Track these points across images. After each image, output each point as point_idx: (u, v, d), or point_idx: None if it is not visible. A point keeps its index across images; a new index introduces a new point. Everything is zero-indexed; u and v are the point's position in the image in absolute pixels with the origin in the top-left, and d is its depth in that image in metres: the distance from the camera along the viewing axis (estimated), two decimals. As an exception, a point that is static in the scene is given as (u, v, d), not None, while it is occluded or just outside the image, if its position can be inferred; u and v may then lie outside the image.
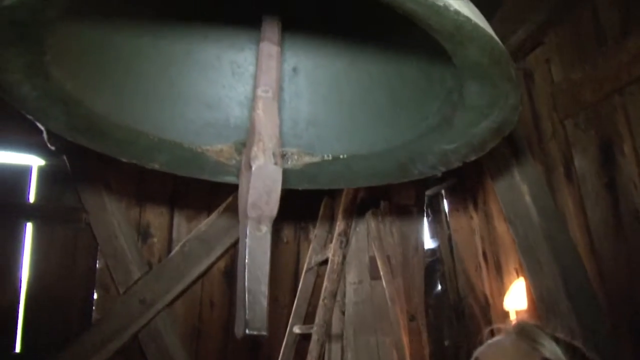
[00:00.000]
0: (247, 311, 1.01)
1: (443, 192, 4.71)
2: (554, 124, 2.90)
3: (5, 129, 3.96)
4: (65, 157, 4.22)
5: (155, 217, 4.60)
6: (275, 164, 1.13)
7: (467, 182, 4.24)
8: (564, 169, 2.88)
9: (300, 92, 1.69)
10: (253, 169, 1.11)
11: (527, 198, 2.81)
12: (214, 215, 4.45)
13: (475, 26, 0.94)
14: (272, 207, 1.12)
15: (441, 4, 0.88)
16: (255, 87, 1.26)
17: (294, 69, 1.69)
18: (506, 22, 2.65)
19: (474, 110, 1.29)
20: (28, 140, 4.23)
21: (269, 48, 1.33)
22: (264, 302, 1.04)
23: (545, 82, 2.93)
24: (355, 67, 1.65)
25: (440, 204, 4.80)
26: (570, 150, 2.79)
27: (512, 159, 2.91)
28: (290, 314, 4.37)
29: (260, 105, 1.22)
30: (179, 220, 4.66)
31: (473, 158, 1.49)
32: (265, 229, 1.10)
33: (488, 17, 2.39)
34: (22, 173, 4.68)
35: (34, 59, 1.22)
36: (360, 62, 1.64)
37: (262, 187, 1.11)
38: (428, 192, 4.61)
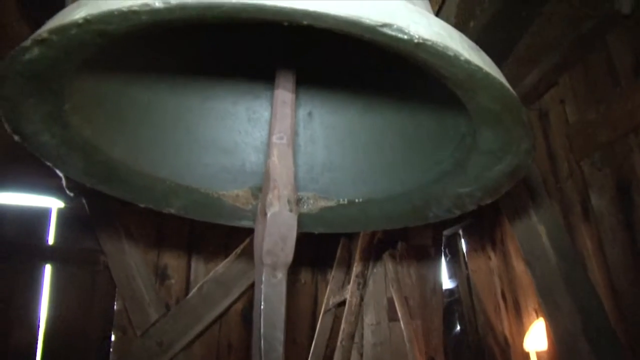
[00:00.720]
0: (262, 358, 1.01)
1: (460, 232, 4.69)
2: (570, 164, 2.89)
3: (25, 172, 4.02)
4: (84, 200, 4.26)
5: (173, 259, 4.62)
6: (291, 210, 1.14)
7: (484, 222, 4.23)
8: (581, 209, 2.86)
9: (316, 137, 1.71)
10: (268, 216, 1.12)
11: (544, 238, 2.80)
12: (231, 257, 4.45)
13: (486, 74, 0.95)
14: (288, 253, 1.12)
15: (451, 53, 0.89)
16: (270, 134, 1.28)
17: (309, 114, 1.71)
18: (520, 64, 2.66)
19: (488, 155, 1.30)
20: (47, 184, 4.28)
21: (284, 95, 1.35)
22: (280, 349, 1.04)
23: (560, 122, 2.94)
24: (369, 113, 1.67)
25: (457, 244, 4.78)
26: (587, 190, 2.78)
27: (528, 199, 2.90)
28: (308, 356, 4.34)
29: (275, 152, 1.23)
30: (196, 262, 4.67)
31: (488, 201, 1.49)
32: (281, 276, 1.11)
33: (502, 58, 2.41)
34: (41, 215, 4.74)
35: (53, 108, 1.24)
36: (374, 107, 1.66)
37: (278, 234, 1.12)
38: (445, 232, 4.60)
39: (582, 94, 2.74)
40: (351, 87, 1.69)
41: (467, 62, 0.91)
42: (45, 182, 4.29)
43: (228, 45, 1.63)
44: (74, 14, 0.91)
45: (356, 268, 3.82)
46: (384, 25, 0.84)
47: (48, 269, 4.63)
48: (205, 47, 1.60)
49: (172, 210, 1.66)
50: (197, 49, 1.59)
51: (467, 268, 4.64)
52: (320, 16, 0.82)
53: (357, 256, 3.84)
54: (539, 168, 3.05)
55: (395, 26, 0.85)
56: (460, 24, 2.33)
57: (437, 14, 2.40)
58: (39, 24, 1.93)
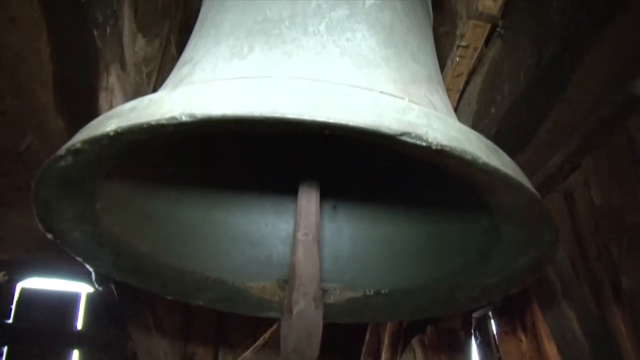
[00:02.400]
0: None
1: (490, 314, 4.61)
2: (598, 246, 2.87)
3: (54, 256, 4.06)
4: (113, 286, 4.29)
5: (200, 346, 4.57)
6: (316, 308, 1.15)
7: (514, 304, 4.16)
8: (612, 291, 2.82)
9: (341, 229, 1.73)
10: (294, 314, 1.13)
11: (575, 324, 2.75)
12: (258, 344, 4.40)
13: (504, 175, 0.97)
14: (313, 349, 1.13)
15: (469, 157, 0.92)
16: (295, 231, 1.30)
17: (334, 207, 1.73)
18: (542, 147, 2.67)
19: (511, 247, 1.31)
20: (77, 269, 4.31)
21: (308, 192, 1.38)
22: None
23: (586, 204, 2.93)
24: (393, 206, 1.69)
25: (488, 327, 4.69)
26: (617, 272, 2.74)
27: (557, 283, 2.86)
28: None
29: (301, 249, 1.25)
30: (224, 349, 4.63)
31: (514, 291, 1.49)
32: (307, 372, 1.12)
33: (524, 142, 2.43)
34: (70, 300, 4.76)
35: (85, 208, 1.29)
36: (398, 201, 1.68)
37: (303, 331, 1.13)
38: (475, 315, 4.52)
39: (606, 176, 2.74)
40: (375, 182, 1.72)
41: (485, 164, 0.94)
42: (74, 268, 4.32)
43: (254, 146, 1.68)
44: (106, 125, 0.96)
45: (385, 354, 3.76)
46: (403, 133, 0.87)
47: (76, 354, 4.62)
48: (231, 150, 1.65)
49: (200, 302, 1.68)
50: (224, 153, 1.64)
51: (498, 351, 4.53)
52: (339, 127, 0.85)
53: (385, 342, 3.78)
54: (567, 249, 3.02)
55: (413, 134, 0.88)
56: (481, 110, 2.36)
57: (459, 101, 2.44)
58: (74, 119, 2.00)
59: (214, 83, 0.95)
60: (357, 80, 1.11)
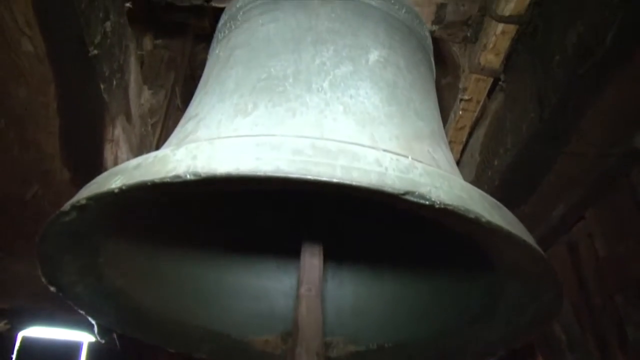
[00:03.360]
0: None
1: (495, 364, 4.56)
2: (603, 297, 2.84)
3: (56, 305, 4.04)
4: (115, 336, 4.25)
5: (202, 395, 4.53)
6: (319, 364, 1.15)
7: (519, 356, 4.11)
8: (617, 343, 2.79)
9: (344, 283, 1.72)
10: (297, 370, 1.13)
11: (581, 379, 2.73)
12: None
13: (508, 233, 0.97)
14: (316, 405, 1.12)
15: (472, 216, 0.92)
16: (298, 286, 1.30)
17: (338, 262, 1.73)
18: (546, 199, 2.67)
19: (515, 302, 1.30)
20: (79, 318, 4.28)
21: (311, 248, 1.38)
22: None
23: (590, 255, 2.91)
24: (396, 263, 1.69)
25: (492, 378, 4.63)
26: (622, 323, 2.72)
27: (562, 334, 2.84)
28: None
29: (304, 305, 1.25)
30: (226, 398, 4.58)
31: (517, 345, 1.48)
32: None
33: (527, 194, 2.42)
34: (72, 349, 4.72)
35: (88, 262, 1.29)
36: (401, 258, 1.68)
37: (306, 387, 1.12)
38: (479, 366, 4.47)
39: (610, 228, 2.73)
40: (378, 237, 1.72)
41: (489, 223, 0.94)
42: (76, 317, 4.29)
43: (259, 201, 1.69)
44: (110, 182, 0.96)
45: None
46: (406, 192, 0.88)
47: (76, 405, 4.57)
48: (236, 205, 1.66)
49: (203, 356, 1.67)
50: (229, 208, 1.65)
51: (503, 403, 4.47)
52: (343, 186, 0.86)
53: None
54: (572, 301, 2.99)
55: (417, 193, 0.88)
56: (484, 162, 2.38)
57: (462, 153, 2.46)
58: (79, 170, 2.01)
59: (218, 141, 0.96)
60: (360, 138, 1.12)
